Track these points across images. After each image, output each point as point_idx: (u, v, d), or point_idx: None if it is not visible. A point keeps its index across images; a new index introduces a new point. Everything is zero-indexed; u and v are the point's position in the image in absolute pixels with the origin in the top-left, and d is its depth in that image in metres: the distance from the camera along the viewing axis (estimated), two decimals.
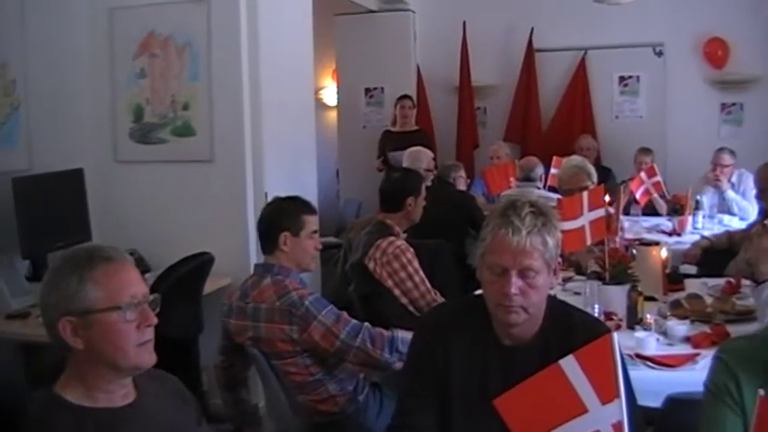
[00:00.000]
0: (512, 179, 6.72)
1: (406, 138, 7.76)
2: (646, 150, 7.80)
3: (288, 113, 5.64)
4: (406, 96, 8.43)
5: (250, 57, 5.24)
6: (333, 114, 9.85)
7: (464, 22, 9.01)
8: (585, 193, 4.11)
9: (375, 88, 9.16)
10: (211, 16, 5.21)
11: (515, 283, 2.25)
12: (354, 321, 3.43)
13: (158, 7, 5.31)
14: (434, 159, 6.68)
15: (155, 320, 2.05)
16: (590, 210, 4.04)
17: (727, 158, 7.13)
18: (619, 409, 1.74)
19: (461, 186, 6.66)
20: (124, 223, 5.33)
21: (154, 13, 5.32)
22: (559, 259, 2.39)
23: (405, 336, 3.32)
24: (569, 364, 1.79)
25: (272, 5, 5.37)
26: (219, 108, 5.22)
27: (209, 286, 4.83)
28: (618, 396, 1.73)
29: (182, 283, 4.45)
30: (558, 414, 1.80)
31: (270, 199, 4.08)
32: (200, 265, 4.65)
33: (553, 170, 6.94)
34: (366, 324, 3.45)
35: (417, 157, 6.28)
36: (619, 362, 1.74)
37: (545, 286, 2.32)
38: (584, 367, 1.77)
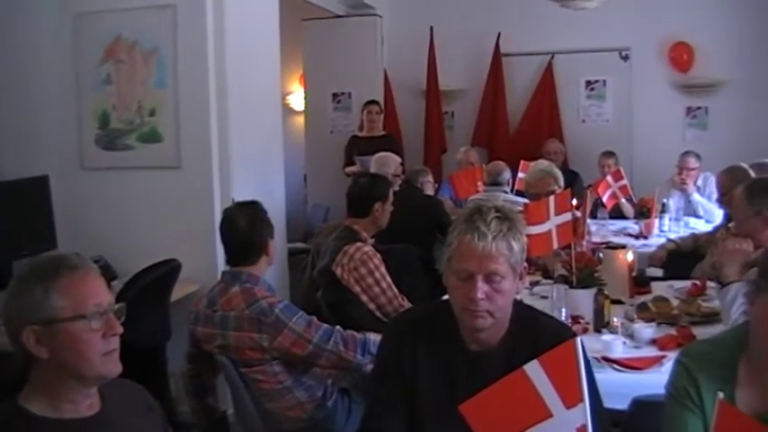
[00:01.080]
0: (479, 183, 6.74)
1: (373, 143, 7.75)
2: (608, 153, 7.88)
3: (255, 119, 5.62)
4: (372, 102, 8.44)
5: (217, 62, 5.22)
6: (300, 119, 9.83)
7: (431, 27, 9.04)
8: (552, 198, 4.14)
9: (342, 93, 9.16)
10: (178, 21, 5.18)
11: (481, 287, 2.26)
12: (326, 326, 3.44)
13: (124, 13, 5.27)
14: (402, 164, 6.69)
15: (120, 329, 2.04)
16: (556, 214, 4.07)
17: (692, 162, 7.20)
18: (583, 413, 1.75)
19: (429, 191, 6.66)
20: (91, 231, 5.28)
21: (119, 19, 5.28)
22: (525, 264, 2.40)
23: (376, 338, 3.33)
24: (534, 369, 1.81)
25: (238, 10, 5.36)
26: (186, 114, 5.20)
27: (177, 293, 4.80)
28: (582, 400, 1.75)
29: (149, 291, 4.42)
30: (523, 419, 1.81)
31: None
32: (167, 272, 4.62)
33: (521, 174, 6.96)
34: (337, 327, 3.47)
35: (385, 163, 6.29)
36: (582, 366, 1.76)
37: (511, 291, 2.34)
38: (548, 372, 1.79)
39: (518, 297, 2.50)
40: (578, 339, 1.80)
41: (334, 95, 9.20)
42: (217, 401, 3.85)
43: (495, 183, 6.16)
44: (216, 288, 3.53)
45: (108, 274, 4.80)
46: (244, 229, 3.54)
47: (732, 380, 2.24)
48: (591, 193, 6.34)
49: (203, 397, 3.77)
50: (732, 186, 4.88)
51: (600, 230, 6.59)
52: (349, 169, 7.98)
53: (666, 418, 2.29)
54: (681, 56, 8.59)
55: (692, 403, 2.20)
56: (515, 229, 2.31)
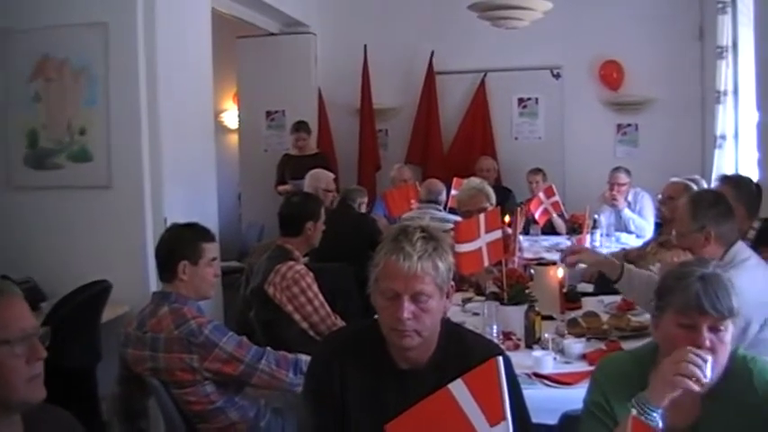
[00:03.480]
0: (413, 201, 6.78)
1: (305, 161, 7.75)
2: (536, 170, 8.05)
3: (187, 137, 5.60)
4: (299, 128, 8.39)
5: (148, 80, 5.19)
6: (234, 137, 9.81)
7: (365, 46, 9.10)
8: (482, 216, 4.17)
9: (276, 111, 9.16)
10: (109, 39, 5.15)
11: (408, 307, 2.27)
12: (256, 346, 3.44)
13: (54, 30, 5.23)
14: (336, 182, 6.69)
15: (44, 354, 2.01)
16: (487, 231, 4.11)
17: (622, 177, 7.33)
18: (506, 431, 1.77)
19: (363, 210, 6.69)
20: (19, 251, 5.20)
21: (49, 36, 5.23)
22: (452, 282, 2.43)
23: (308, 358, 3.31)
24: (458, 388, 1.83)
25: (170, 28, 5.34)
26: (117, 133, 5.16)
27: (107, 315, 4.74)
28: (505, 418, 1.77)
29: (78, 312, 4.37)
30: None
31: (169, 225, 4.02)
32: (97, 293, 4.57)
33: (454, 191, 7.02)
34: (268, 348, 3.47)
35: (317, 177, 6.34)
36: (505, 384, 1.78)
37: (438, 310, 2.35)
38: (472, 390, 1.81)
39: (449, 314, 2.52)
40: (500, 358, 1.83)
41: (268, 113, 9.20)
42: (148, 425, 3.80)
43: (430, 200, 6.19)
44: (146, 309, 3.49)
45: (37, 295, 4.75)
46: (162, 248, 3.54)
47: None
48: (523, 209, 6.42)
49: (134, 420, 3.71)
50: (674, 196, 4.98)
51: (532, 246, 6.67)
52: (281, 188, 7.97)
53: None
54: (611, 74, 8.78)
55: (607, 417, 2.26)
56: (441, 249, 2.33)
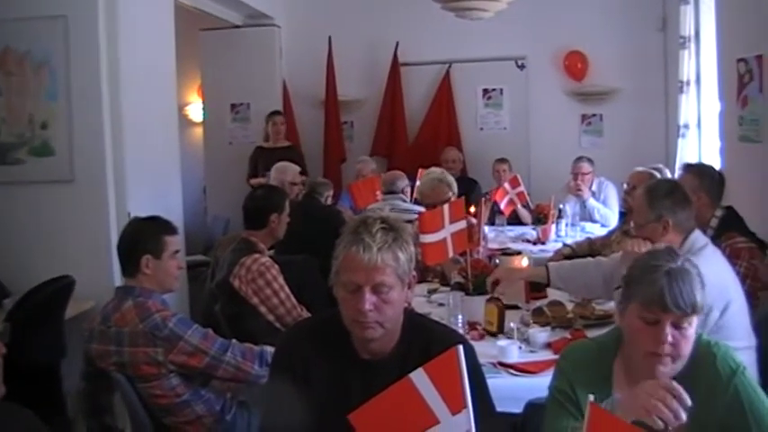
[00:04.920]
0: (378, 193, 6.78)
1: (277, 154, 7.71)
2: (501, 160, 8.10)
3: (151, 131, 5.57)
4: (277, 112, 8.43)
5: (110, 74, 5.16)
6: (199, 131, 9.75)
7: (329, 37, 9.07)
8: (446, 206, 4.19)
9: (241, 104, 9.11)
10: (69, 33, 5.11)
11: (369, 299, 2.28)
12: (222, 338, 3.43)
13: (14, 23, 5.17)
14: (306, 174, 6.67)
15: (3, 350, 2.00)
16: (451, 222, 4.12)
17: (585, 167, 7.38)
18: (467, 419, 1.79)
19: (329, 203, 6.69)
20: None
21: (9, 29, 5.18)
22: (414, 273, 2.43)
23: (273, 350, 3.33)
24: (419, 377, 1.84)
25: (132, 21, 5.30)
26: (79, 127, 5.12)
27: (72, 310, 4.71)
28: (466, 406, 1.78)
29: (42, 308, 4.33)
30: (411, 426, 1.84)
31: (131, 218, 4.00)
32: (60, 288, 4.54)
33: (419, 182, 7.04)
34: (234, 340, 3.47)
35: (283, 170, 6.31)
36: (465, 373, 1.79)
37: (399, 301, 2.36)
38: (433, 379, 1.82)
39: (414, 305, 2.53)
40: (460, 347, 1.84)
41: (233, 106, 9.15)
42: (114, 420, 3.77)
43: (391, 191, 6.21)
44: (110, 304, 3.47)
45: (0, 291, 4.70)
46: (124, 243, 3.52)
47: (608, 381, 2.33)
48: (488, 200, 6.44)
49: (100, 416, 3.68)
50: (638, 185, 5.02)
51: (498, 237, 6.70)
52: (254, 181, 7.93)
53: (546, 419, 2.36)
54: (575, 64, 8.83)
55: (572, 404, 2.28)
56: (401, 240, 2.33)
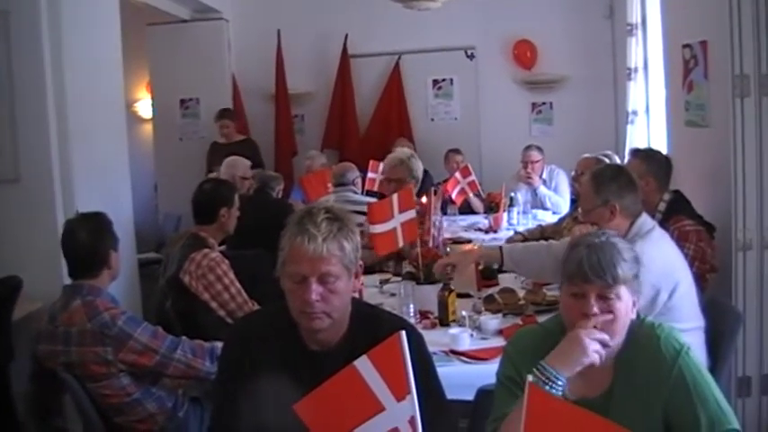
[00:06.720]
0: (329, 185, 6.77)
1: (233, 148, 7.67)
2: (455, 151, 8.12)
3: (98, 127, 5.50)
4: (223, 115, 8.38)
5: (54, 70, 5.07)
6: (149, 127, 9.66)
7: (278, 31, 9.05)
8: (395, 196, 4.18)
9: (191, 99, 9.06)
10: (11, 28, 5.00)
11: (315, 289, 2.27)
12: (172, 336, 3.42)
13: None
14: (263, 167, 6.62)
15: None
16: (400, 211, 4.13)
17: (535, 155, 7.44)
18: (412, 405, 1.79)
19: (280, 196, 6.67)
20: None
21: None
22: (361, 262, 2.43)
23: None
24: (363, 364, 1.83)
25: (76, 16, 5.23)
26: (23, 125, 5.03)
27: (20, 312, 4.62)
28: (410, 392, 1.78)
29: None
30: (357, 414, 1.84)
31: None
32: (7, 289, 4.47)
33: (370, 174, 7.04)
34: (183, 337, 3.46)
35: (233, 165, 6.29)
36: (408, 359, 1.79)
37: (346, 291, 2.36)
38: (377, 366, 1.82)
39: (366, 296, 2.52)
40: (402, 332, 1.83)
41: (183, 102, 9.10)
42: (65, 422, 3.74)
43: (341, 183, 6.20)
44: (57, 303, 3.44)
45: None
46: (84, 242, 3.46)
47: None
48: (440, 190, 6.45)
49: (49, 418, 3.65)
50: (586, 172, 5.06)
51: (450, 226, 6.71)
52: (212, 177, 7.88)
53: (494, 404, 2.38)
54: (524, 53, 8.90)
55: (519, 388, 2.29)
56: (347, 229, 2.33)
